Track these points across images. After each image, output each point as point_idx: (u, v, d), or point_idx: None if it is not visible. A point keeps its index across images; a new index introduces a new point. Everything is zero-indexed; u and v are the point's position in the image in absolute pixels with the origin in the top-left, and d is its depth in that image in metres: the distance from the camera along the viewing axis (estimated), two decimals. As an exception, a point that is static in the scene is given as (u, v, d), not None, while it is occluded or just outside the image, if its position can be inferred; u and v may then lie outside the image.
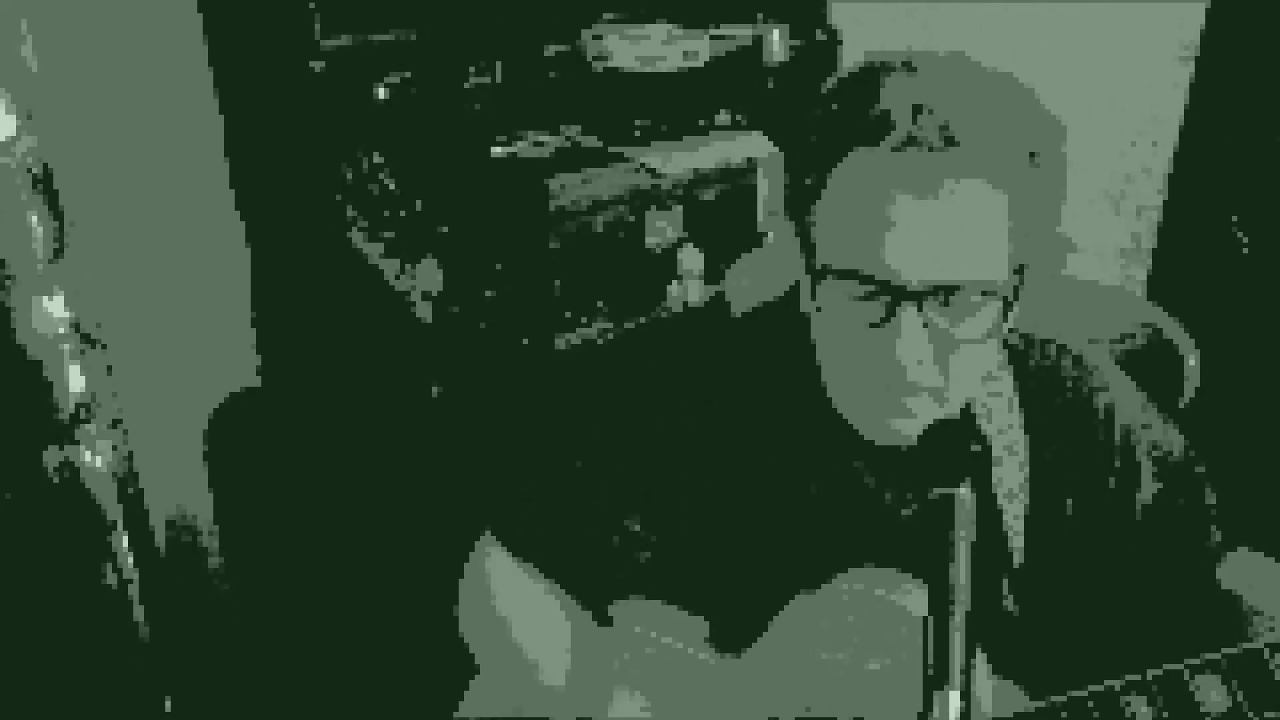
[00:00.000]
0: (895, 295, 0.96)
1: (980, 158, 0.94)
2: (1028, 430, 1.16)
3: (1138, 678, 0.98)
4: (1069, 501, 1.16)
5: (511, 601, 1.20)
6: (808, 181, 1.01)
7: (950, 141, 0.94)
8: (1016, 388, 1.17)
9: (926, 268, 0.95)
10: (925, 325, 0.97)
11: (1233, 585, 1.20)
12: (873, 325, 0.97)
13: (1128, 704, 0.97)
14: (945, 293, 0.96)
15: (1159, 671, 0.98)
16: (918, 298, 0.96)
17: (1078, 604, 1.17)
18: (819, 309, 1.02)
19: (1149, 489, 1.18)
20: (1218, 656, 0.98)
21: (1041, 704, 0.99)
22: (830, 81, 1.03)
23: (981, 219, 0.96)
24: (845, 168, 0.98)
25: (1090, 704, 0.98)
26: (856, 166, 0.97)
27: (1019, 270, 1.01)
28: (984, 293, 0.97)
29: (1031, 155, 0.98)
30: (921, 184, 0.94)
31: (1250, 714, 0.96)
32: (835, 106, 0.99)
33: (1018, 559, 1.15)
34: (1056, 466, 1.16)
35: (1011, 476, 1.15)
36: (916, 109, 0.94)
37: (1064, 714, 0.98)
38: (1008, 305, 1.00)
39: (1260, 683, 0.97)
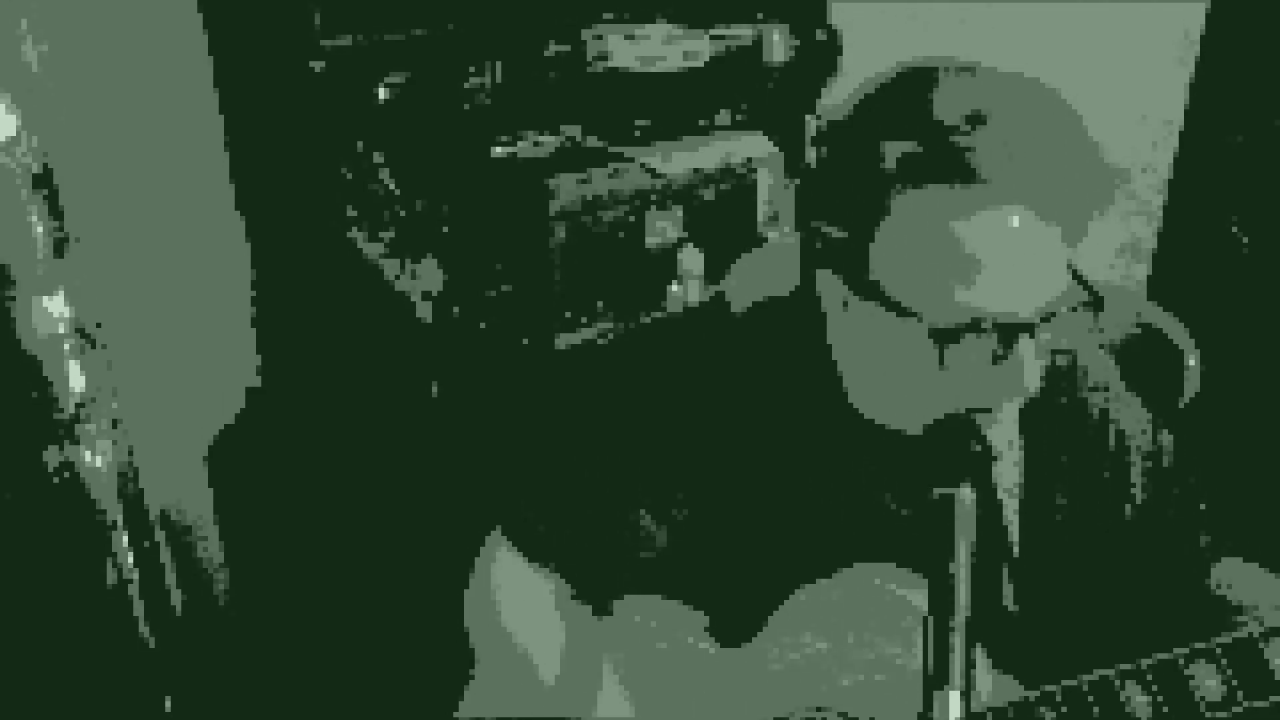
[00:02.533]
0: (1014, 331, 0.96)
1: (1051, 184, 0.93)
2: (1023, 428, 1.16)
3: (1133, 666, 0.99)
4: (1061, 500, 1.16)
5: (515, 601, 1.21)
6: (862, 206, 0.98)
7: (1033, 182, 0.92)
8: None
9: (1035, 299, 0.96)
10: (1035, 341, 0.97)
11: (1224, 591, 1.20)
12: (996, 359, 0.97)
13: (1124, 692, 0.97)
14: (1051, 315, 0.97)
15: (1154, 660, 0.98)
16: (1032, 329, 0.96)
17: (1072, 601, 1.17)
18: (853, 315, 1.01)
19: (1140, 493, 1.18)
20: (1212, 645, 0.99)
21: (1039, 692, 1.00)
22: (870, 92, 1.00)
23: (1060, 240, 0.96)
24: (915, 206, 0.95)
25: (1087, 692, 0.98)
26: (931, 207, 0.94)
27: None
28: (1077, 306, 0.98)
29: (1088, 169, 0.97)
30: (1013, 222, 0.93)
31: (1244, 701, 0.96)
32: (891, 132, 0.96)
33: (1015, 555, 1.15)
34: (1050, 465, 1.17)
35: (1009, 473, 1.15)
36: (995, 147, 0.92)
37: (1061, 702, 0.99)
38: (1098, 304, 1.00)
39: (1254, 670, 0.97)
